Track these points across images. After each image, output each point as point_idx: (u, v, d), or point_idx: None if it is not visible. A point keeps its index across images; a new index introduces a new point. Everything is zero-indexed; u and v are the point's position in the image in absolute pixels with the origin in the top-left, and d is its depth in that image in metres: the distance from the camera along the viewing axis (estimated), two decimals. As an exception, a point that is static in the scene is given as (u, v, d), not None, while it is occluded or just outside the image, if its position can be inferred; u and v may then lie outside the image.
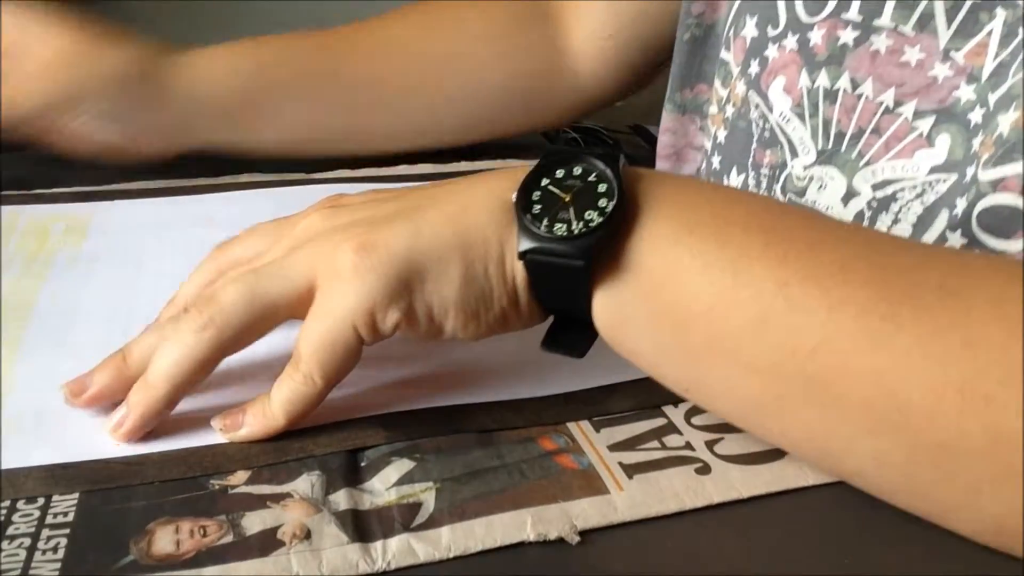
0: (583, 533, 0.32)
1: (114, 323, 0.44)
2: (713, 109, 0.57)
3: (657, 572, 0.31)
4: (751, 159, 0.53)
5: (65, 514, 0.32)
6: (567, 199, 0.34)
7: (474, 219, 0.35)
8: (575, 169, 0.35)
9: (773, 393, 0.32)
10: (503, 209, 0.35)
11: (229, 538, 0.31)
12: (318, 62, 0.61)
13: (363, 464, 0.35)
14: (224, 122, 0.58)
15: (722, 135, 0.56)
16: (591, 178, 0.34)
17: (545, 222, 0.34)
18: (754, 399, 0.33)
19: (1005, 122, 0.39)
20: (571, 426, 0.38)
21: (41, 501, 0.32)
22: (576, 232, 0.33)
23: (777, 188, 0.51)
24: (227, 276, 0.37)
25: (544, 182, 0.35)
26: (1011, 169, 0.39)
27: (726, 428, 0.37)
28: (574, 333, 0.36)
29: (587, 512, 0.33)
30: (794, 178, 0.50)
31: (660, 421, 0.38)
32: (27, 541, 0.30)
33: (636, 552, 0.32)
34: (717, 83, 0.56)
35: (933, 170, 0.43)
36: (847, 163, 0.47)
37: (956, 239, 0.41)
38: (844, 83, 0.47)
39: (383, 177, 0.62)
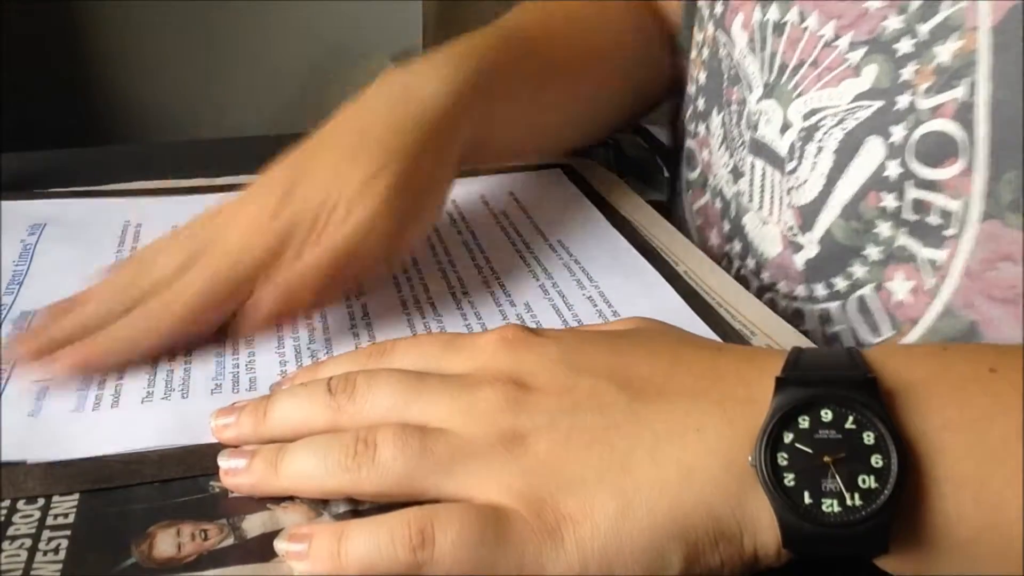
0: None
1: None
2: (693, 54, 0.59)
3: None
4: (723, 97, 0.55)
5: (66, 515, 0.32)
6: (828, 461, 0.27)
7: (697, 493, 0.27)
8: (824, 414, 0.27)
9: None
10: (735, 475, 0.28)
11: (230, 541, 0.31)
12: (529, 63, 0.55)
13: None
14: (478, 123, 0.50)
15: (703, 77, 0.57)
16: (848, 424, 0.27)
17: (807, 497, 0.27)
18: None
19: (945, 52, 0.40)
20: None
21: (41, 502, 0.32)
22: (855, 507, 0.26)
23: (742, 124, 0.52)
24: (386, 409, 0.32)
25: (788, 437, 0.27)
26: (950, 95, 0.39)
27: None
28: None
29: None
30: (750, 113, 0.51)
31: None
32: (28, 542, 0.30)
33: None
34: (695, 28, 0.58)
35: (857, 97, 0.44)
36: (783, 95, 0.48)
37: (894, 168, 0.42)
38: (793, 16, 0.48)
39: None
